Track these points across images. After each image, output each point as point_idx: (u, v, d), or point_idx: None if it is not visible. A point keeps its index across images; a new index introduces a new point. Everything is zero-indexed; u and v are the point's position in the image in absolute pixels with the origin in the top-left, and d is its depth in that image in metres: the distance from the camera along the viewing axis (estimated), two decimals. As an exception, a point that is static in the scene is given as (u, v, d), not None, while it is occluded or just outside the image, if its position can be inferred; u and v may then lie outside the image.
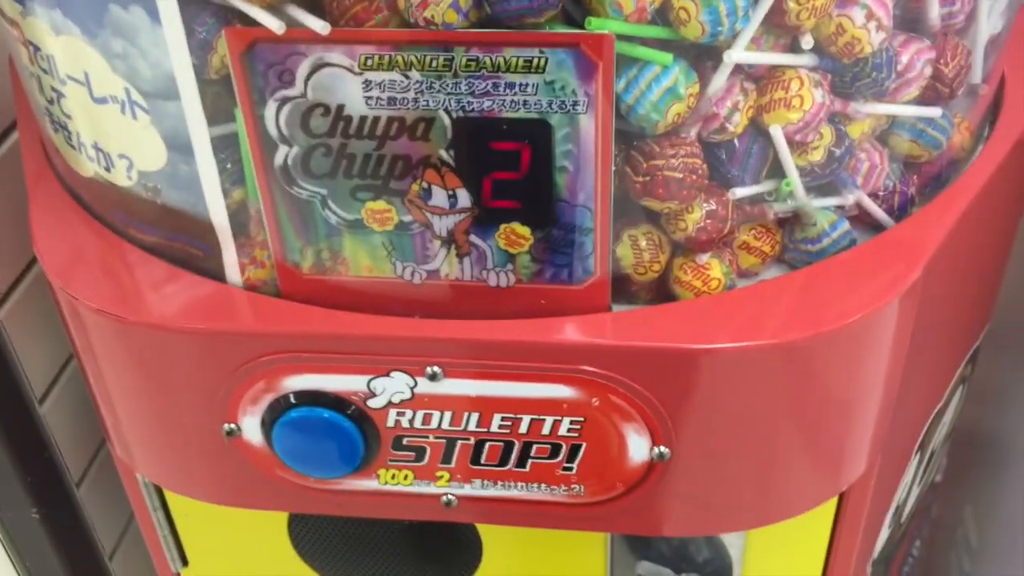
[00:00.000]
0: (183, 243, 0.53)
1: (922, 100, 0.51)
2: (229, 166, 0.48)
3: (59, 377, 0.80)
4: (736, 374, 0.48)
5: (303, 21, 0.42)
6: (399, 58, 0.42)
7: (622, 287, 0.51)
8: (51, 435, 0.79)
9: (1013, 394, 0.93)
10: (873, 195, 0.53)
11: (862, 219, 0.54)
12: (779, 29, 0.44)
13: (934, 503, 0.95)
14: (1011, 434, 0.94)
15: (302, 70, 0.43)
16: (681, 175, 0.45)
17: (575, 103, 0.43)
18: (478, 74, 0.42)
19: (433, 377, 0.50)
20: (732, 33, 0.42)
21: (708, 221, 0.48)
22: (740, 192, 0.48)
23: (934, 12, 0.48)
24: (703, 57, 0.44)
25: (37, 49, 0.49)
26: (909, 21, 0.49)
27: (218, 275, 0.52)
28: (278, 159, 0.46)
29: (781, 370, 0.49)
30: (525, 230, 0.47)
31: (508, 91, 0.43)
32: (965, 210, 0.55)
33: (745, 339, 0.48)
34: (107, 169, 0.52)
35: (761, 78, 0.46)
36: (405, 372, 0.50)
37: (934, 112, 0.51)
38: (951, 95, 0.52)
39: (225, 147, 0.48)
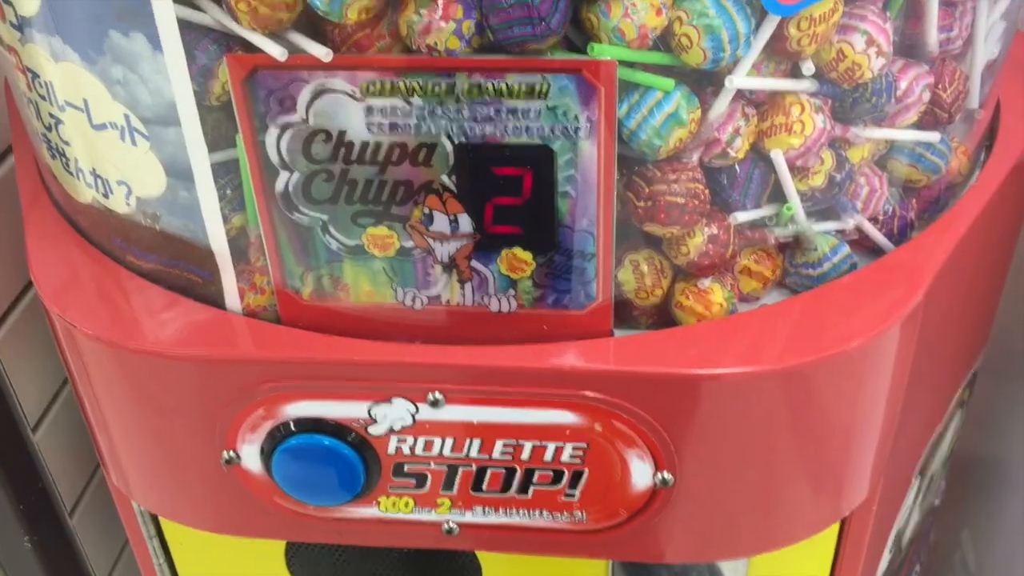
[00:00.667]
0: (181, 269, 0.52)
1: (921, 125, 0.51)
2: (229, 192, 0.48)
3: (52, 404, 0.80)
4: (738, 399, 0.48)
5: (305, 48, 0.42)
6: (401, 84, 0.42)
7: (624, 312, 0.51)
8: (44, 463, 0.78)
9: (1009, 419, 0.93)
10: (873, 219, 0.53)
11: (862, 243, 0.54)
12: (780, 55, 0.44)
13: (933, 527, 0.94)
14: (1007, 458, 0.94)
15: (304, 96, 0.43)
16: (683, 200, 0.45)
17: (577, 129, 0.43)
18: (480, 100, 0.42)
19: (435, 403, 0.49)
20: (734, 59, 0.42)
21: (710, 246, 0.48)
22: (742, 217, 0.48)
23: (932, 38, 0.48)
24: (704, 82, 0.44)
25: (36, 76, 0.49)
26: (908, 46, 0.49)
27: (217, 301, 0.52)
28: (279, 185, 0.46)
29: (783, 395, 0.49)
30: (527, 255, 0.47)
31: (510, 117, 0.43)
32: (964, 234, 0.56)
33: (747, 364, 0.47)
34: (105, 195, 0.51)
35: (762, 103, 0.46)
36: (406, 398, 0.50)
37: (933, 137, 0.51)
38: (949, 120, 0.52)
39: (225, 173, 0.48)
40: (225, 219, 0.49)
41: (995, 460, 0.96)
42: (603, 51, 0.41)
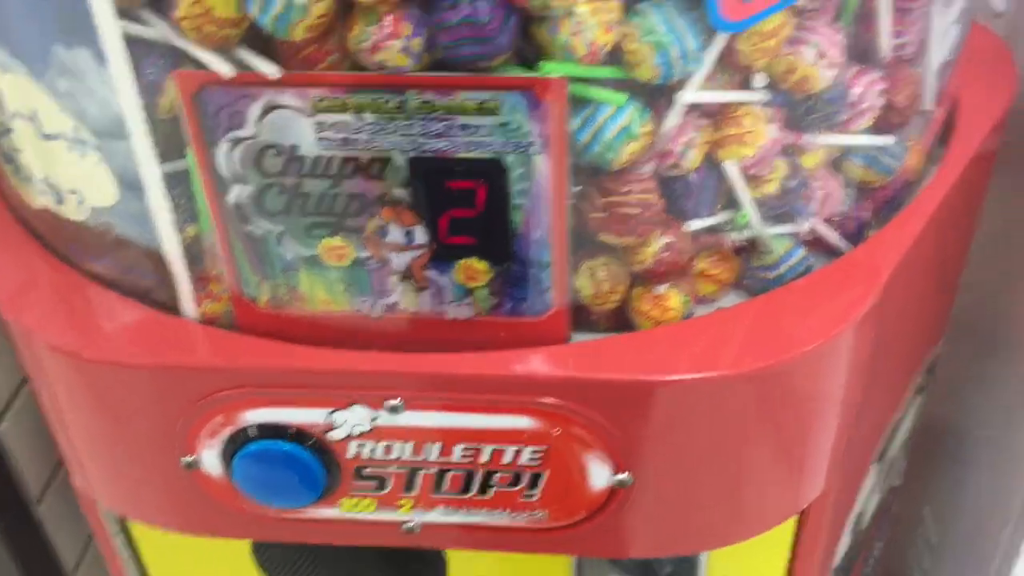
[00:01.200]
0: (138, 275, 0.52)
1: (875, 128, 0.52)
2: (183, 202, 0.48)
3: (18, 393, 0.79)
4: (695, 404, 0.49)
5: (253, 65, 0.41)
6: (352, 101, 0.42)
7: (582, 316, 0.51)
8: (10, 452, 0.78)
9: (970, 391, 0.94)
10: (829, 221, 0.53)
11: (819, 244, 0.54)
12: (732, 68, 0.44)
13: (895, 502, 0.96)
14: (967, 431, 0.96)
15: (253, 112, 0.43)
16: (637, 211, 0.46)
17: (530, 144, 0.42)
18: (432, 116, 0.42)
19: (393, 410, 0.50)
20: (684, 75, 0.42)
21: (665, 253, 0.48)
22: (696, 224, 0.48)
23: (885, 43, 0.49)
24: (657, 95, 0.44)
25: (-17, 84, 0.48)
26: (861, 51, 0.49)
27: (174, 308, 0.52)
28: (231, 197, 0.46)
29: (739, 399, 0.49)
30: (483, 265, 0.47)
31: (462, 132, 0.42)
32: (920, 232, 0.56)
33: (702, 370, 0.48)
34: (58, 202, 0.51)
35: (715, 114, 0.46)
36: (365, 405, 0.50)
37: (887, 141, 0.52)
38: (903, 123, 0.52)
39: (178, 183, 0.47)
40: (179, 228, 0.48)
41: (956, 433, 0.97)
42: (554, 68, 0.41)
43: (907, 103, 0.51)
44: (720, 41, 0.42)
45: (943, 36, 0.53)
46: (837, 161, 0.53)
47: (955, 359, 0.87)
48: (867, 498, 0.76)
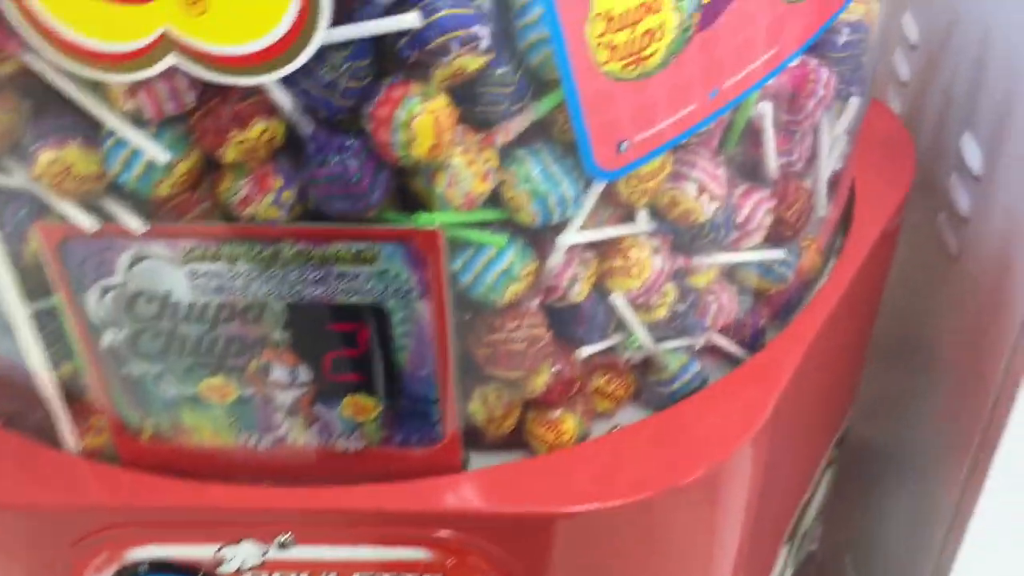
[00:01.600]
0: (16, 409, 0.50)
1: (766, 239, 0.52)
2: (58, 338, 0.46)
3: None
4: (590, 532, 0.48)
5: (118, 217, 0.40)
6: (224, 250, 0.41)
7: (478, 437, 0.50)
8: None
9: (889, 417, 0.94)
10: (725, 330, 0.53)
11: (717, 352, 0.54)
12: (614, 204, 0.44)
13: (814, 558, 0.97)
14: (888, 457, 0.95)
15: (122, 261, 0.41)
16: (524, 346, 0.45)
17: (409, 290, 0.42)
18: (307, 265, 0.41)
19: (283, 545, 0.48)
20: (564, 219, 0.42)
21: (556, 382, 0.47)
22: (588, 351, 0.48)
23: (772, 165, 0.49)
24: (539, 235, 0.43)
25: None
26: (749, 168, 0.49)
27: (56, 442, 0.50)
28: (104, 341, 0.44)
29: (634, 525, 0.49)
30: (370, 401, 0.46)
31: (340, 280, 0.41)
32: (819, 330, 0.56)
33: (597, 500, 0.47)
34: (-71, 336, 0.49)
35: (601, 245, 0.46)
36: (255, 540, 0.48)
37: (777, 255, 0.52)
38: (795, 234, 0.52)
39: (52, 320, 0.45)
40: (55, 365, 0.47)
41: (877, 461, 0.97)
42: (429, 219, 0.40)
43: (797, 217, 0.51)
44: (598, 186, 0.41)
45: (833, 147, 0.53)
46: (731, 272, 0.53)
47: (885, 374, 0.86)
48: (781, 572, 0.76)
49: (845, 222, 0.64)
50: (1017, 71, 0.62)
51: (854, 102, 0.53)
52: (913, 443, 0.87)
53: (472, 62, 0.36)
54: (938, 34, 0.73)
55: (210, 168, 0.39)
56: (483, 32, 0.36)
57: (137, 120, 0.37)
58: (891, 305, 0.76)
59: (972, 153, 0.67)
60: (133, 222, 0.40)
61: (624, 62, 0.37)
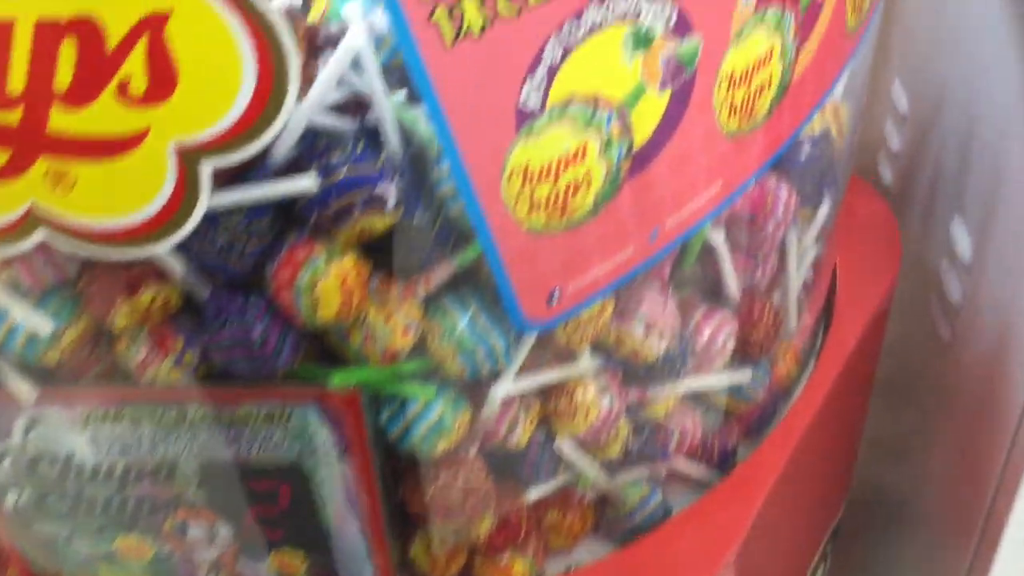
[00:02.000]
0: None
1: (733, 359, 0.48)
2: (-34, 491, 0.43)
3: None
4: None
5: (8, 385, 0.37)
6: (127, 412, 0.38)
7: (425, 578, 0.47)
8: None
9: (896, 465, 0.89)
10: (691, 455, 0.50)
11: (682, 478, 0.50)
12: (554, 347, 0.40)
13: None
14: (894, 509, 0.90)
15: (19, 425, 0.38)
16: (461, 496, 0.41)
17: (327, 450, 0.38)
18: (217, 426, 0.38)
19: None
20: (494, 371, 0.38)
21: (501, 528, 0.44)
22: (536, 493, 0.44)
23: (732, 286, 0.45)
24: (471, 384, 0.40)
25: None
26: (708, 288, 0.46)
27: (-29, 592, 0.47)
28: (8, 503, 0.41)
29: None
30: (297, 556, 0.43)
31: (252, 440, 0.38)
32: (797, 443, 0.52)
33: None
34: None
35: (545, 385, 0.42)
36: None
37: (743, 378, 0.48)
38: (762, 354, 0.49)
39: (-41, 473, 0.42)
40: (-35, 519, 0.44)
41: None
42: (344, 378, 0.37)
43: (763, 337, 0.48)
44: (530, 337, 0.38)
45: (803, 258, 0.49)
46: (694, 394, 0.49)
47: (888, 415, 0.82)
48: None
49: (827, 312, 0.60)
50: (1004, 151, 0.59)
51: (825, 207, 0.50)
52: (913, 533, 0.83)
53: (378, 222, 0.33)
54: (927, 107, 0.69)
55: (105, 330, 0.36)
56: (388, 190, 0.33)
57: (17, 289, 0.34)
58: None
59: (962, 240, 0.63)
60: (23, 389, 0.36)
61: (548, 215, 0.34)
